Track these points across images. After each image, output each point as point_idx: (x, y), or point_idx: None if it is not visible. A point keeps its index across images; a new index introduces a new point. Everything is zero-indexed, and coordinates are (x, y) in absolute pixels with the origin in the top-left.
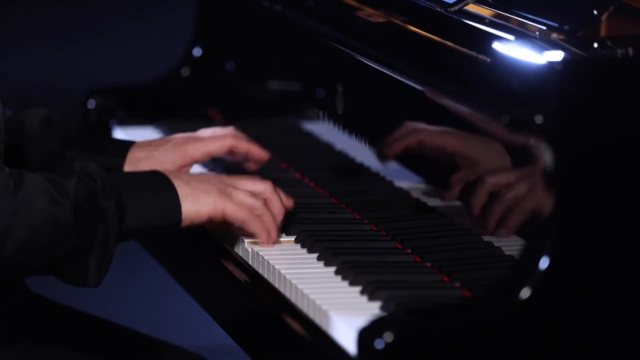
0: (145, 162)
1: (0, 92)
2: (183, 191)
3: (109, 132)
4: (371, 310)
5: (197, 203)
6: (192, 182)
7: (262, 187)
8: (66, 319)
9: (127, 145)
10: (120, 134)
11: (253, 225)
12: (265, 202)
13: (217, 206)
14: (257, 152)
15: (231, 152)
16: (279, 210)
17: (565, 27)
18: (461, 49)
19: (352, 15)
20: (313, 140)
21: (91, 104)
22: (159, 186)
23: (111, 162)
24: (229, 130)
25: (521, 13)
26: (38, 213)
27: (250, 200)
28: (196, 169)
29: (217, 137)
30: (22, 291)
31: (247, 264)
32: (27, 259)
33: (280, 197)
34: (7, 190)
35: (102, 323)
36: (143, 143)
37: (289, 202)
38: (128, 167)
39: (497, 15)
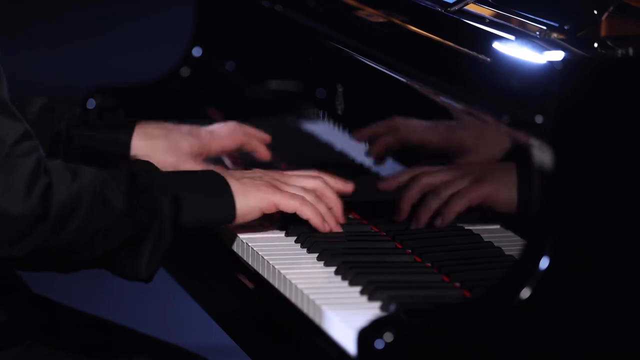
0: (161, 141)
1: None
2: (235, 187)
3: None
4: (371, 310)
5: (249, 199)
6: (244, 179)
7: (314, 182)
8: (67, 320)
9: (132, 122)
10: None
11: (306, 211)
12: (318, 197)
13: (269, 199)
14: (263, 152)
15: (240, 149)
16: (334, 204)
17: (566, 27)
18: (461, 48)
19: (352, 15)
20: (313, 140)
21: (91, 104)
22: (213, 183)
23: (118, 137)
24: (236, 125)
25: (521, 13)
26: (94, 200)
27: (301, 191)
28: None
29: (232, 135)
30: (24, 292)
31: (248, 264)
32: (83, 246)
33: (332, 191)
34: (64, 177)
35: (103, 323)
36: (155, 123)
37: (347, 187)
38: (142, 141)
39: (497, 15)
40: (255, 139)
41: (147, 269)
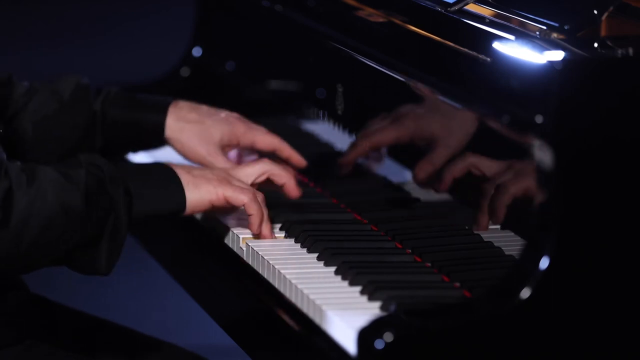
0: (195, 126)
1: None
2: (185, 179)
3: None
4: (371, 310)
5: (199, 191)
6: (194, 171)
7: (259, 166)
8: (66, 319)
9: (164, 101)
10: None
11: (252, 208)
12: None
13: (218, 192)
14: (297, 159)
15: (274, 153)
16: (286, 178)
17: (566, 27)
18: (461, 48)
19: (352, 15)
20: (313, 140)
21: None
22: (163, 175)
23: (151, 119)
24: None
25: (521, 13)
26: (52, 204)
27: (252, 189)
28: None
29: (268, 132)
30: (23, 291)
31: (247, 264)
32: (44, 250)
33: (280, 167)
34: (21, 184)
35: (102, 323)
36: (190, 105)
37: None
38: (176, 123)
39: (497, 15)
40: (291, 151)
41: (107, 265)
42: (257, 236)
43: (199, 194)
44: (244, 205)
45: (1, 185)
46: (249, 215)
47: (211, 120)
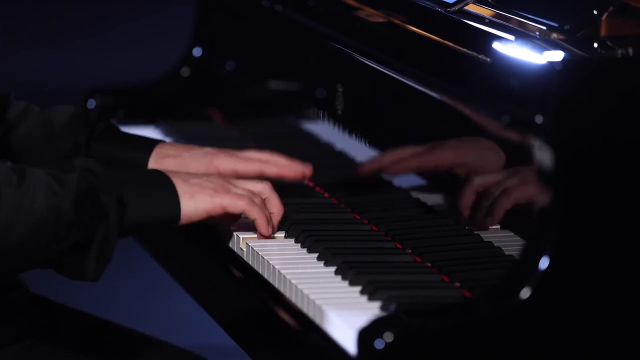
0: (172, 160)
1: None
2: (181, 188)
3: None
4: (371, 310)
5: (194, 200)
6: (191, 180)
7: (261, 186)
8: (66, 319)
9: (153, 142)
10: None
11: (253, 212)
12: (264, 201)
13: (215, 201)
14: (289, 173)
15: (260, 175)
16: (277, 209)
17: (565, 27)
18: (461, 49)
19: (352, 15)
20: (313, 140)
21: (91, 104)
22: (158, 184)
23: (136, 157)
24: (267, 155)
25: (521, 13)
26: (40, 207)
27: (248, 193)
28: None
29: (248, 159)
30: (22, 291)
31: (247, 264)
32: (30, 252)
33: (277, 196)
34: (10, 183)
35: (102, 323)
36: (172, 143)
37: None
38: (153, 162)
39: (497, 15)
40: (277, 166)
41: (95, 272)
42: (259, 236)
43: (194, 204)
44: (243, 212)
45: None
46: (253, 220)
47: (189, 153)
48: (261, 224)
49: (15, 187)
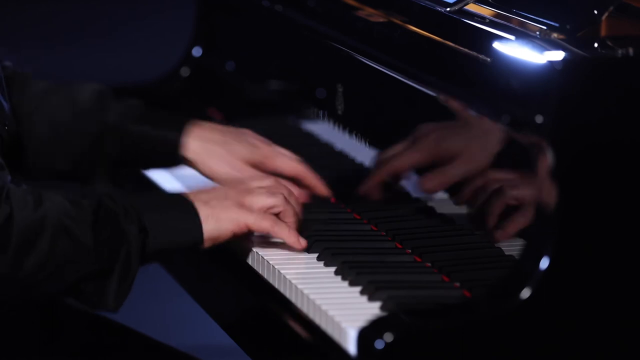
0: (218, 147)
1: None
2: (203, 212)
3: None
4: (371, 310)
5: (218, 223)
6: (212, 201)
7: (275, 200)
8: (67, 319)
9: (182, 120)
10: None
11: (280, 232)
12: (286, 208)
13: (241, 222)
14: (321, 189)
15: (296, 178)
16: (293, 219)
17: (566, 27)
18: (461, 48)
19: (352, 15)
20: (313, 140)
21: None
22: (180, 209)
23: (167, 136)
24: (299, 162)
25: (521, 13)
26: (56, 232)
27: (270, 201)
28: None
29: (293, 158)
30: None
31: (247, 264)
32: (46, 278)
33: (295, 199)
34: (26, 206)
35: (103, 323)
36: (212, 125)
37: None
38: (197, 144)
39: (497, 15)
40: (316, 181)
41: (115, 301)
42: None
43: (220, 226)
44: (269, 233)
45: (2, 211)
46: (282, 238)
47: (235, 140)
48: (291, 242)
49: (32, 210)
